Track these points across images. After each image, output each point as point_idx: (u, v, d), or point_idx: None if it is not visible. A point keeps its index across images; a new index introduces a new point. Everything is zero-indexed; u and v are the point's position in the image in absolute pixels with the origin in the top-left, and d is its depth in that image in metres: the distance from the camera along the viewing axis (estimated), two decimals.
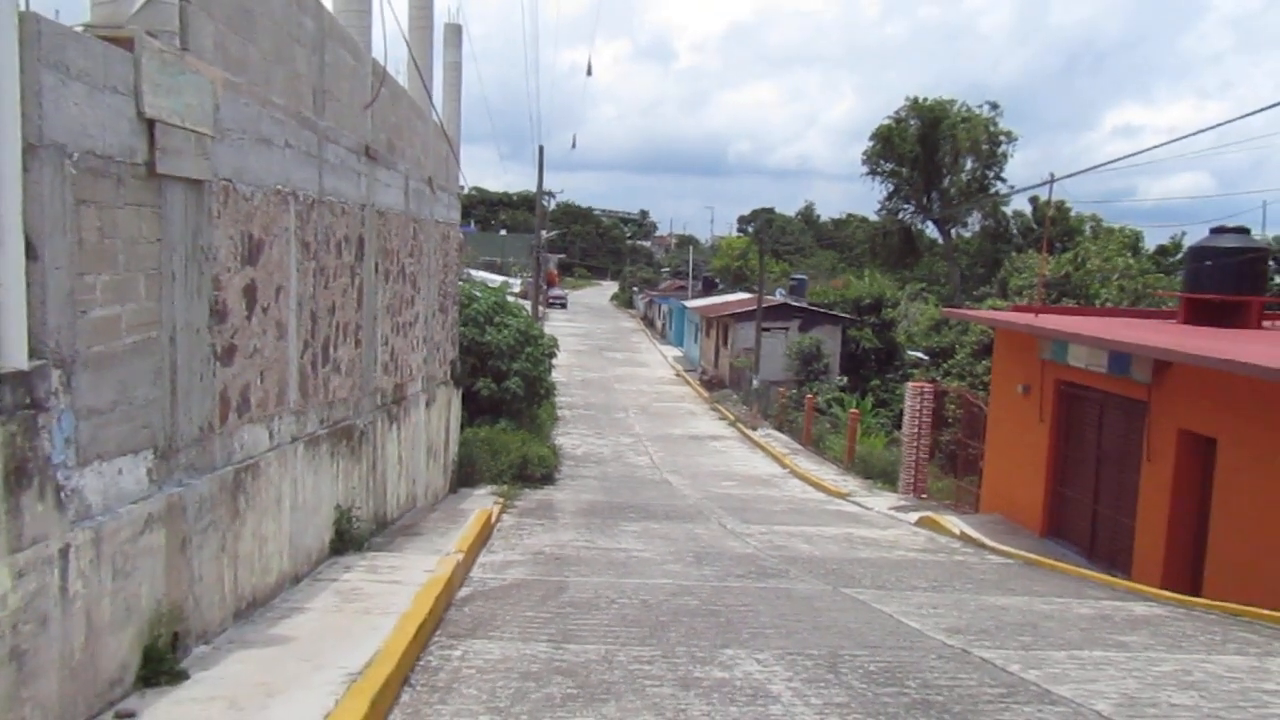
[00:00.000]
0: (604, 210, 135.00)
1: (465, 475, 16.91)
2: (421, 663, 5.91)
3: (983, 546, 14.11)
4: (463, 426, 17.99)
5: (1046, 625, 8.20)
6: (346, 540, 8.51)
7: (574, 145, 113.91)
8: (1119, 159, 73.56)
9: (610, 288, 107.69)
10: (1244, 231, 15.98)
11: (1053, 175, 16.63)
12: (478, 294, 22.10)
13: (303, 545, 7.40)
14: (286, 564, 6.99)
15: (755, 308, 38.19)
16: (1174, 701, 5.69)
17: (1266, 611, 8.96)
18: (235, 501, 5.98)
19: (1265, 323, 15.66)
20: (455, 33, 16.94)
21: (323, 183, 7.71)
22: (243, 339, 6.12)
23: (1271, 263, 28.01)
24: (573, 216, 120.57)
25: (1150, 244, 45.51)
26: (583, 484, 20.15)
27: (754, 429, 31.38)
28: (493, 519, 12.94)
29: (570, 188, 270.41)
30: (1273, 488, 10.24)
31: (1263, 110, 13.92)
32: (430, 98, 13.96)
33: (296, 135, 7.01)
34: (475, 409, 19.95)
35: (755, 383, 35.16)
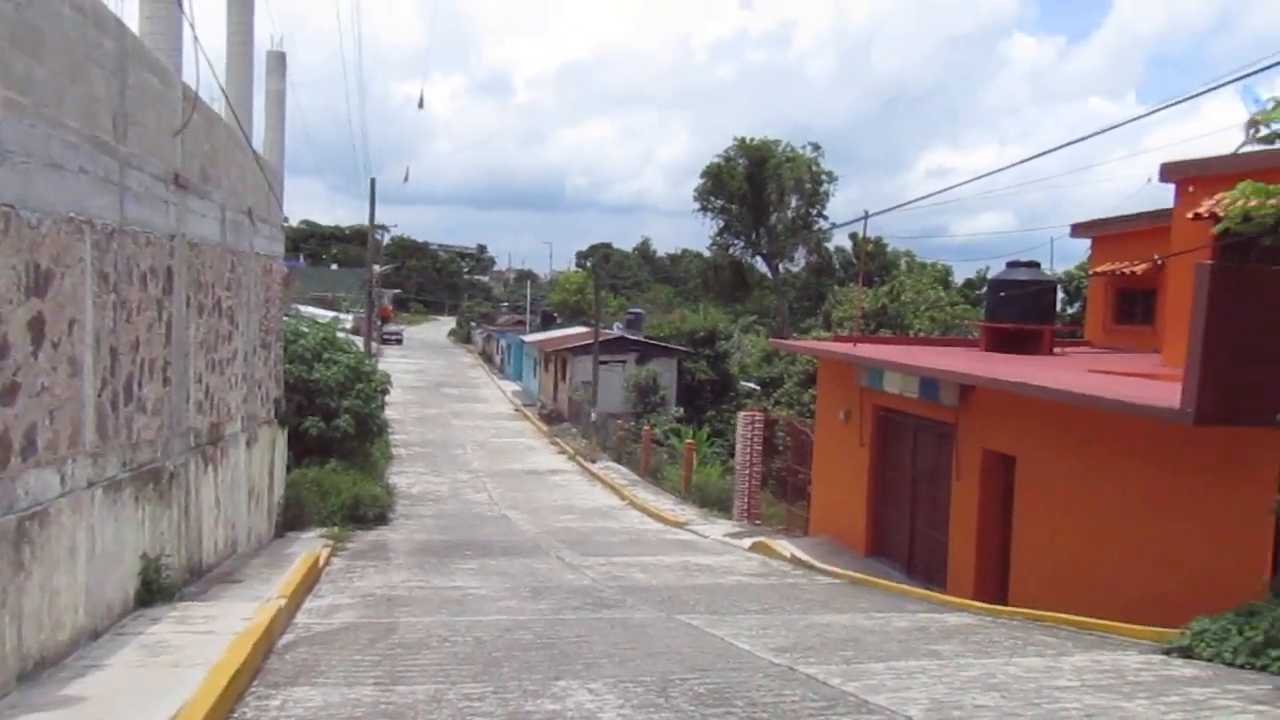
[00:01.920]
0: (441, 245, 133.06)
1: (293, 518, 16.22)
2: (235, 714, 5.58)
3: (812, 568, 14.62)
4: (290, 467, 17.29)
5: (868, 639, 8.56)
6: (155, 591, 7.99)
7: (407, 179, 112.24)
8: (924, 196, 79.02)
9: (448, 323, 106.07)
10: (1035, 265, 17.37)
11: (866, 212, 17.65)
12: (305, 330, 21.32)
13: (103, 598, 6.89)
14: (83, 619, 6.49)
15: (593, 341, 38.47)
16: (977, 703, 6.04)
17: (1063, 615, 9.65)
18: (18, 553, 5.51)
19: (1056, 349, 17.01)
20: (278, 60, 16.43)
21: (124, 211, 7.29)
22: (27, 376, 5.68)
23: (1062, 295, 30.50)
24: (408, 251, 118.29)
25: (959, 277, 48.95)
26: (418, 523, 19.69)
27: (593, 462, 31.49)
28: (321, 562, 12.44)
29: (405, 222, 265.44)
30: (1063, 501, 11.10)
31: (1049, 152, 15.46)
32: (250, 126, 13.47)
33: (93, 160, 6.61)
34: (303, 449, 19.19)
35: (594, 416, 35.34)
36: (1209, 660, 7.32)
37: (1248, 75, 7.76)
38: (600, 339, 39.07)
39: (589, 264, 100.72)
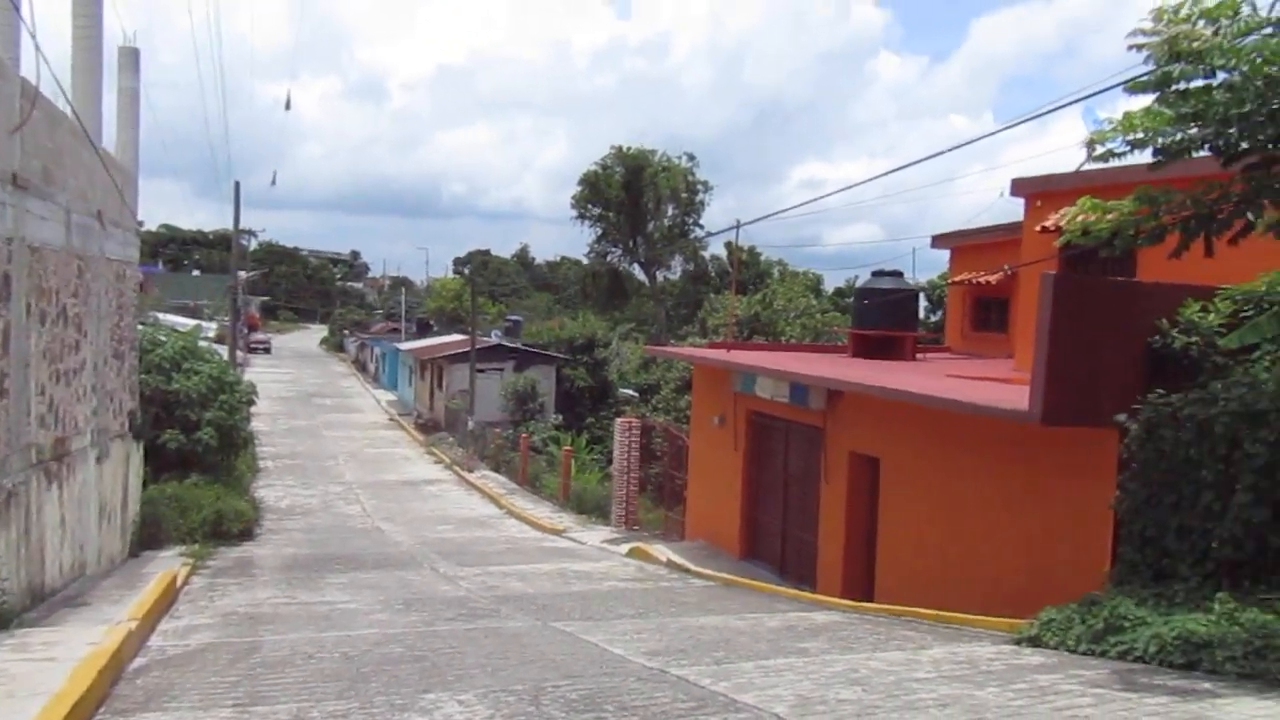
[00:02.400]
0: (312, 250, 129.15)
1: (149, 537, 15.50)
2: None
3: (687, 572, 14.81)
4: (147, 483, 16.50)
5: (739, 640, 8.72)
6: None
7: (274, 182, 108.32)
8: (794, 206, 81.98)
9: (319, 331, 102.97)
10: (898, 275, 18.08)
11: (739, 221, 18.03)
12: (163, 338, 20.39)
13: None
14: None
15: (470, 349, 37.99)
16: (840, 697, 6.23)
17: (924, 610, 10.06)
18: None
19: (918, 355, 17.73)
20: (131, 56, 15.67)
21: None
22: None
23: (926, 303, 31.81)
24: (277, 257, 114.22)
25: (830, 286, 50.62)
26: (287, 538, 19.08)
27: (471, 471, 31.12)
28: (179, 581, 11.92)
29: (274, 227, 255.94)
30: (922, 500, 11.58)
31: (911, 165, 16.19)
32: (100, 125, 12.82)
33: None
34: (162, 463, 18.35)
35: (471, 424, 34.89)
36: (1055, 648, 7.74)
37: (1087, 97, 8.28)
38: (477, 346, 38.59)
39: (466, 271, 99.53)
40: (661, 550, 16.96)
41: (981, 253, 18.10)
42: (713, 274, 58.72)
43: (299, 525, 21.06)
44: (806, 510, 14.53)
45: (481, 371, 38.22)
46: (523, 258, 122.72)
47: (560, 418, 37.72)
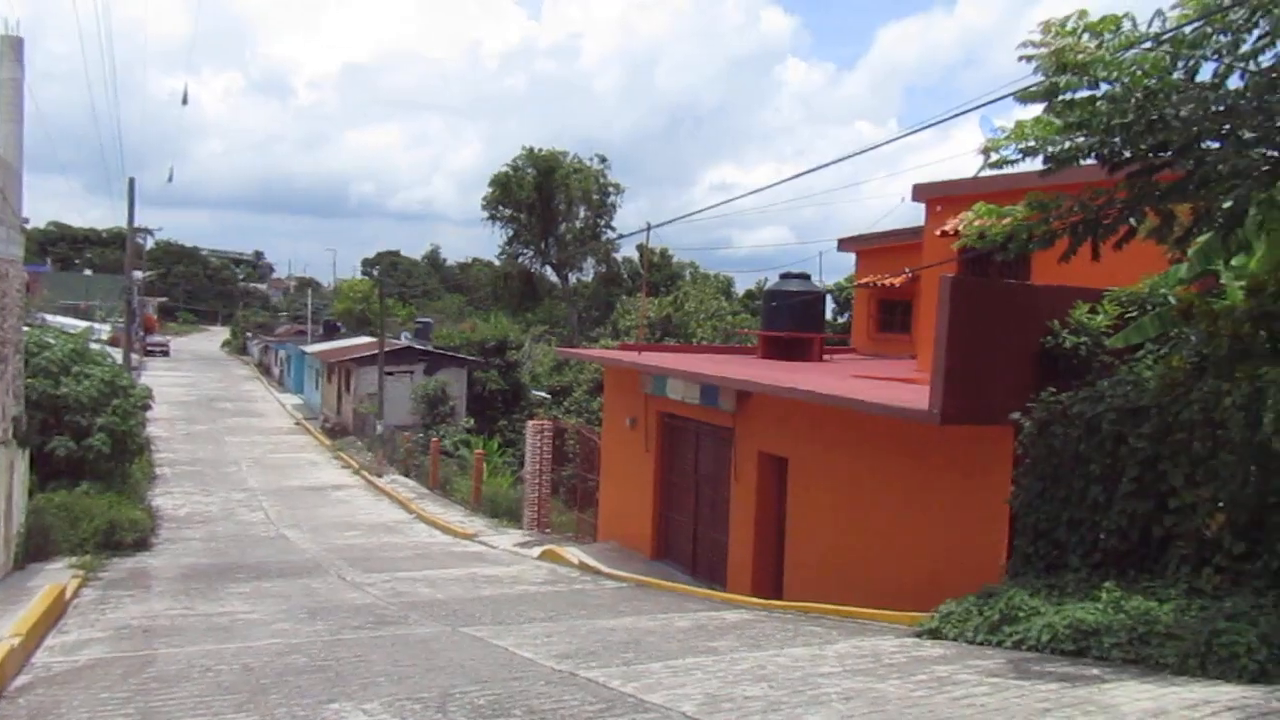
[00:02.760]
0: (213, 250, 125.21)
1: (37, 548, 14.77)
2: None
3: (599, 573, 14.81)
4: (33, 491, 15.74)
5: (649, 640, 8.75)
6: None
7: (171, 179, 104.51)
8: (704, 209, 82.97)
9: (221, 333, 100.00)
10: (805, 277, 18.41)
11: (649, 224, 18.11)
12: (51, 341, 19.48)
13: None
14: None
15: (378, 351, 37.31)
16: (748, 694, 6.30)
17: (830, 606, 10.26)
18: None
19: (825, 356, 18.08)
20: (14, 45, 14.93)
21: None
22: None
23: (834, 305, 32.45)
24: (175, 256, 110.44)
25: (741, 288, 51.35)
26: (185, 547, 18.43)
27: (380, 476, 30.56)
28: (68, 594, 11.41)
29: (173, 225, 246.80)
30: (830, 499, 11.81)
31: (817, 169, 16.61)
32: None
33: None
34: (50, 471, 17.53)
35: (380, 428, 34.27)
36: (954, 640, 7.97)
37: (983, 105, 8.55)
38: (387, 349, 37.94)
39: (375, 272, 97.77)
40: (574, 553, 16.93)
41: (886, 256, 18.56)
42: (625, 276, 58.93)
43: (198, 534, 20.38)
44: (717, 510, 14.68)
45: (391, 374, 37.59)
46: (433, 259, 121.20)
47: (472, 421, 37.34)
